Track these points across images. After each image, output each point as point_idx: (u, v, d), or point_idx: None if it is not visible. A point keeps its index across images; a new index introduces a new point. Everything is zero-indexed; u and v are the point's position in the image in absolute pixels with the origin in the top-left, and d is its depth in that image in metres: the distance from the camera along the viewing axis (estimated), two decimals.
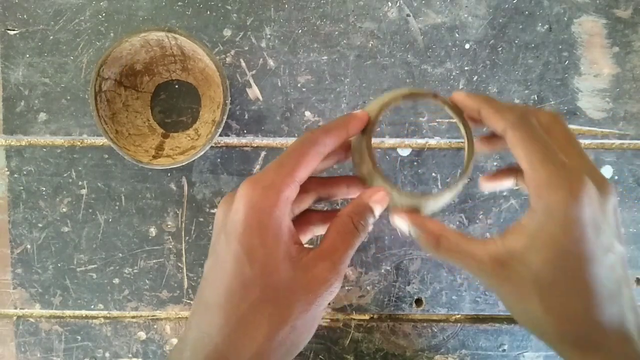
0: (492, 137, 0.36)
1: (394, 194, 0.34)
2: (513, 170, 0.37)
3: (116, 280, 0.48)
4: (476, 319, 0.49)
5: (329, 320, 0.48)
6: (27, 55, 0.46)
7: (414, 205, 0.34)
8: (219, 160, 0.47)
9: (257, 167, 0.47)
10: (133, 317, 0.48)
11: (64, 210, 0.47)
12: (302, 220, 0.35)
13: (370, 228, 0.32)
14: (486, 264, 0.31)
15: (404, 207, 0.33)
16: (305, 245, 0.31)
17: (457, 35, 0.46)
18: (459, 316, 0.49)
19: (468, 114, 0.34)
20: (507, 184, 0.37)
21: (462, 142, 0.47)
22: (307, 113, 0.47)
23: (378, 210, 0.32)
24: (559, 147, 0.32)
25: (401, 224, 0.34)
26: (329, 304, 0.48)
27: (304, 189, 0.33)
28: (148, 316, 0.48)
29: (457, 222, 0.48)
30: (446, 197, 0.36)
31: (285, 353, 0.29)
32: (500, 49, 0.47)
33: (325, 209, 0.47)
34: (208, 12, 0.46)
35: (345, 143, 0.35)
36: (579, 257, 0.30)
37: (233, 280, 0.28)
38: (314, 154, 0.31)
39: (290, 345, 0.29)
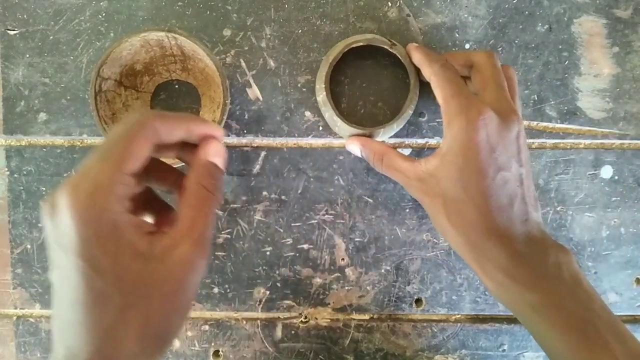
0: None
1: (345, 126, 0.43)
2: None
3: None
4: (476, 319, 0.49)
5: (329, 320, 0.48)
6: (27, 55, 0.46)
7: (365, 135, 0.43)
8: None
9: (257, 167, 0.47)
10: None
11: None
12: (146, 196, 0.34)
13: (222, 185, 0.31)
14: (412, 180, 0.39)
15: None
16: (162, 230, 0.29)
17: (457, 35, 0.46)
18: (459, 316, 0.49)
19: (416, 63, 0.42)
20: None
21: None
22: (307, 113, 0.47)
23: (221, 163, 0.32)
24: (480, 84, 0.38)
25: (354, 148, 0.43)
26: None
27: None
28: None
29: None
30: (394, 127, 0.44)
31: (163, 340, 0.28)
32: (500, 49, 0.47)
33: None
34: (208, 12, 0.46)
35: (186, 143, 0.32)
36: (473, 174, 0.35)
37: (86, 295, 0.27)
38: (143, 140, 0.28)
39: (167, 333, 0.28)
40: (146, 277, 0.27)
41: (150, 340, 0.27)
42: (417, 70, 0.43)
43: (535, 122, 0.47)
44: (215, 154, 0.31)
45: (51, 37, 0.46)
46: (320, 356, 0.49)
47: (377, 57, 0.47)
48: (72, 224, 0.26)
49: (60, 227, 0.27)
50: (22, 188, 0.47)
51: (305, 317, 0.48)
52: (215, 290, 0.48)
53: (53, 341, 0.29)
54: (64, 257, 0.27)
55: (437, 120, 0.47)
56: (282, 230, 0.47)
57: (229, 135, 0.47)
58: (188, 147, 0.33)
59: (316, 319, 0.48)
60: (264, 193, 0.47)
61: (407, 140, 0.47)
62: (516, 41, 0.47)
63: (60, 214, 0.26)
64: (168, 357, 0.48)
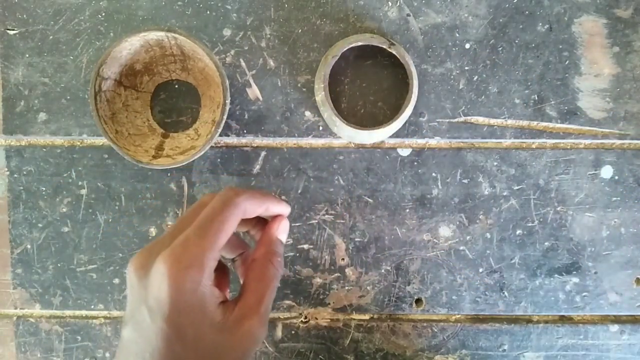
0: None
1: (344, 126, 0.40)
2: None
3: (116, 280, 0.48)
4: (476, 319, 0.49)
5: (329, 320, 0.48)
6: (27, 55, 0.46)
7: (360, 137, 0.40)
8: (219, 160, 0.47)
9: (257, 167, 0.47)
10: None
11: (64, 210, 0.47)
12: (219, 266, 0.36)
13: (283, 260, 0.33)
14: None
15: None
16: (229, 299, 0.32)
17: (457, 35, 0.46)
18: (459, 316, 0.49)
19: None
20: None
21: (462, 142, 0.47)
22: (307, 113, 0.47)
23: (285, 239, 0.34)
24: None
25: None
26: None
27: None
28: None
29: (458, 222, 0.48)
30: (394, 127, 0.42)
31: None
32: (500, 48, 0.47)
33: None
34: (208, 12, 0.46)
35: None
36: None
37: (164, 357, 0.28)
38: (234, 220, 0.31)
39: None
40: (218, 345, 0.29)
41: None
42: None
43: (535, 122, 0.47)
44: (283, 231, 0.34)
45: (51, 37, 0.46)
46: (320, 356, 0.49)
47: (376, 57, 0.47)
48: (167, 293, 0.28)
49: (152, 291, 0.28)
50: (22, 188, 0.47)
51: (306, 317, 0.48)
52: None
53: None
54: (148, 319, 0.28)
55: (437, 120, 0.47)
56: None
57: (228, 135, 0.47)
58: (256, 220, 0.36)
59: (316, 319, 0.48)
60: None
61: (407, 140, 0.47)
62: (516, 41, 0.47)
63: (155, 279, 0.28)
64: None
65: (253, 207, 0.32)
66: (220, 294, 0.30)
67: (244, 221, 0.35)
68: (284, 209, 0.35)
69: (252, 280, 0.32)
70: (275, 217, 0.34)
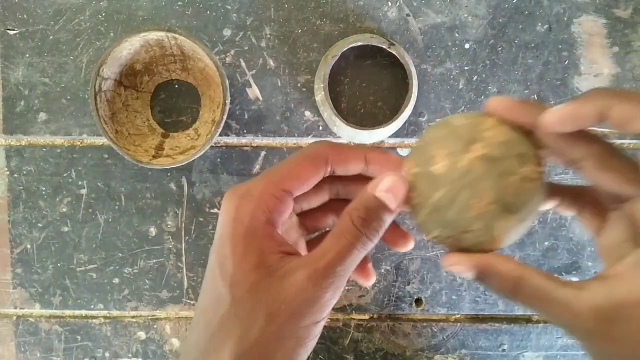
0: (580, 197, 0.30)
1: (344, 126, 0.38)
2: (555, 189, 0.30)
3: (116, 280, 0.48)
4: (476, 319, 0.49)
5: (329, 320, 0.48)
6: (27, 55, 0.46)
7: (360, 137, 0.37)
8: (219, 160, 0.47)
9: (257, 167, 0.47)
10: (133, 317, 0.48)
11: (64, 210, 0.47)
12: (310, 220, 0.32)
13: (383, 226, 0.27)
14: (584, 318, 0.24)
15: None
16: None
17: (457, 35, 0.46)
18: (459, 316, 0.49)
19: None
20: (546, 205, 0.31)
21: None
22: (307, 113, 0.47)
23: (392, 202, 0.26)
24: None
25: (460, 269, 0.26)
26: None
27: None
28: (148, 316, 0.48)
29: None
30: (394, 127, 0.40)
31: None
32: (500, 49, 0.47)
33: None
34: (208, 12, 0.46)
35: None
36: None
37: (208, 295, 0.27)
38: (308, 164, 0.28)
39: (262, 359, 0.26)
40: (260, 290, 0.26)
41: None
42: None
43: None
44: (386, 189, 0.26)
45: (51, 37, 0.46)
46: (320, 356, 0.49)
47: (376, 57, 0.47)
48: (221, 223, 0.27)
49: (218, 225, 0.27)
50: (22, 188, 0.47)
51: None
52: None
53: None
54: (211, 253, 0.28)
55: (437, 120, 0.47)
56: None
57: (229, 135, 0.47)
58: None
59: None
60: None
61: (407, 141, 0.47)
62: (516, 41, 0.47)
63: (220, 212, 0.28)
64: (169, 357, 0.48)
65: (340, 156, 0.28)
66: (285, 243, 0.27)
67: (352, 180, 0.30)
68: (392, 160, 0.29)
69: (328, 236, 0.27)
70: (384, 174, 0.28)
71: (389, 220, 0.27)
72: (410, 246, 0.31)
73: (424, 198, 0.26)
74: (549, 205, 0.30)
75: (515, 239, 0.26)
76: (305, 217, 0.33)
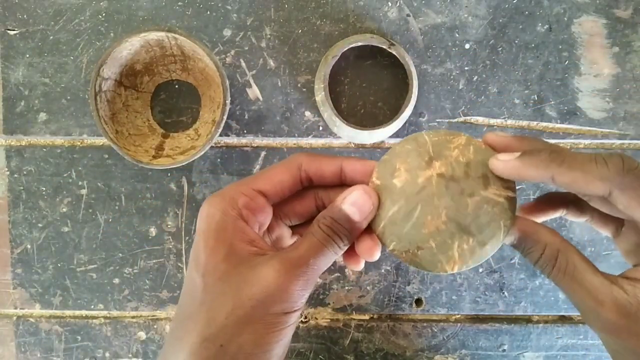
0: (543, 204, 0.31)
1: (344, 126, 0.38)
2: (559, 199, 0.31)
3: (116, 280, 0.48)
4: (476, 319, 0.49)
5: (329, 320, 0.48)
6: (27, 55, 0.46)
7: (360, 137, 0.37)
8: (219, 160, 0.47)
9: (257, 167, 0.47)
10: (133, 317, 0.48)
11: (64, 210, 0.47)
12: (303, 230, 0.34)
13: (349, 235, 0.28)
14: (607, 308, 0.25)
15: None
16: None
17: (457, 35, 0.46)
18: (459, 316, 0.49)
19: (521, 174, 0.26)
20: (552, 215, 0.32)
21: None
22: (307, 113, 0.47)
23: (356, 215, 0.28)
24: None
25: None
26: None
27: (300, 193, 0.32)
28: (148, 316, 0.48)
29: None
30: (394, 127, 0.40)
31: (220, 356, 0.26)
32: (500, 49, 0.47)
33: None
34: (208, 12, 0.46)
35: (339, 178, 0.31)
36: None
37: (185, 287, 0.29)
38: (282, 169, 0.30)
39: (229, 344, 0.26)
40: (229, 278, 0.27)
41: (210, 343, 0.26)
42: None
43: (535, 122, 0.47)
44: (352, 202, 0.28)
45: (51, 37, 0.46)
46: (320, 356, 0.49)
47: (376, 57, 0.47)
48: (198, 223, 0.29)
49: None
50: (22, 188, 0.47)
51: (305, 317, 0.48)
52: None
53: None
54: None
55: (437, 120, 0.47)
56: None
57: (228, 135, 0.47)
58: None
59: (316, 319, 0.48)
60: None
61: None
62: (516, 41, 0.47)
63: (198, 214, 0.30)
64: None
65: (314, 162, 0.30)
66: (258, 239, 0.28)
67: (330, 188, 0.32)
68: (366, 166, 0.30)
69: (302, 235, 0.28)
70: (353, 186, 0.29)
71: (356, 230, 0.28)
72: (376, 255, 0.31)
73: (383, 210, 0.27)
74: (553, 216, 0.31)
75: (477, 263, 0.26)
76: (298, 228, 0.34)
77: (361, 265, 0.32)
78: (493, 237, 0.25)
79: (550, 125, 0.47)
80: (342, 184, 0.31)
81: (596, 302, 0.25)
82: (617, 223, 0.30)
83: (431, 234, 0.25)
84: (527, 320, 0.49)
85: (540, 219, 0.31)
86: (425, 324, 0.49)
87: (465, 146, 0.26)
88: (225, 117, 0.41)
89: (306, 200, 0.32)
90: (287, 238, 0.34)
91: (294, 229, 0.34)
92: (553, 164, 0.25)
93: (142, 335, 0.48)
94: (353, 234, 0.28)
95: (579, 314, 0.48)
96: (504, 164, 0.26)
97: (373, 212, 0.28)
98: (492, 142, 0.28)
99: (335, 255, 0.28)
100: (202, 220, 0.29)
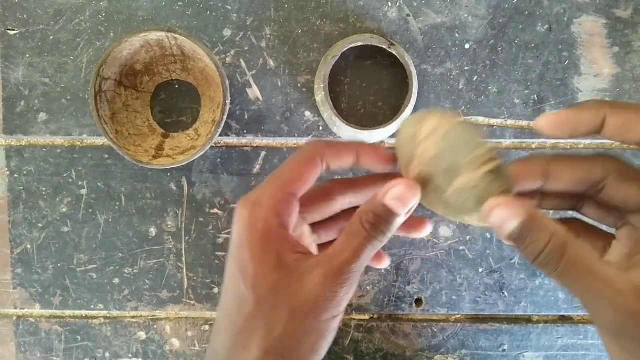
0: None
1: (344, 126, 0.38)
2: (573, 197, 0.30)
3: (116, 280, 0.48)
4: (476, 319, 0.49)
5: None
6: (27, 55, 0.46)
7: (360, 137, 0.37)
8: (219, 160, 0.47)
9: (257, 167, 0.47)
10: (133, 317, 0.48)
11: (64, 210, 0.47)
12: (322, 228, 0.34)
13: (391, 230, 0.28)
14: (627, 295, 0.23)
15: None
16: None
17: (457, 35, 0.46)
18: (459, 316, 0.49)
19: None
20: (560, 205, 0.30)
21: None
22: (307, 113, 0.47)
23: (400, 209, 0.27)
24: None
25: (504, 211, 0.24)
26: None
27: (327, 193, 0.32)
28: (148, 316, 0.48)
29: (457, 222, 0.48)
30: (394, 127, 0.41)
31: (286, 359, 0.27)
32: (500, 49, 0.47)
33: None
34: (208, 12, 0.46)
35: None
36: None
37: (230, 298, 0.28)
38: (307, 165, 0.30)
39: (289, 353, 0.27)
40: (280, 288, 0.27)
41: (272, 355, 0.27)
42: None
43: (535, 122, 0.47)
44: (395, 197, 0.27)
45: (51, 37, 0.46)
46: None
47: (376, 57, 0.47)
48: (236, 231, 0.28)
49: (232, 233, 0.29)
50: (22, 188, 0.47)
51: None
52: (216, 290, 0.48)
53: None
54: (227, 264, 0.29)
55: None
56: None
57: (228, 135, 0.47)
58: None
59: None
60: None
61: None
62: (516, 41, 0.47)
63: (233, 223, 0.29)
64: (169, 357, 0.48)
65: (334, 153, 0.30)
66: (298, 244, 0.29)
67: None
68: (379, 153, 0.30)
69: (342, 235, 0.28)
70: (392, 182, 0.28)
71: (397, 223, 0.28)
72: (427, 231, 0.33)
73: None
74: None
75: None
76: (316, 226, 0.34)
77: (386, 263, 0.33)
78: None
79: None
80: (372, 184, 0.32)
81: (615, 291, 0.23)
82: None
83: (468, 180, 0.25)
84: (527, 320, 0.49)
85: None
86: (425, 324, 0.49)
87: (432, 134, 0.26)
88: (225, 117, 0.41)
89: (332, 202, 0.33)
90: (308, 235, 0.34)
91: (313, 224, 0.34)
92: (605, 105, 0.25)
93: (142, 335, 0.48)
94: (395, 228, 0.28)
95: (579, 314, 0.48)
96: (555, 116, 0.26)
97: (415, 205, 0.28)
98: (543, 128, 0.27)
99: (376, 250, 0.28)
100: (244, 231, 0.28)
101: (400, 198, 0.27)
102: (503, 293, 0.48)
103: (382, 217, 0.27)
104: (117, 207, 0.47)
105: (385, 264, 0.34)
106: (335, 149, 0.30)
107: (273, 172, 0.30)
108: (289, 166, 0.30)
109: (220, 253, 0.48)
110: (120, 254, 0.48)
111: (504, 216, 0.24)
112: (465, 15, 0.46)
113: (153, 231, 0.48)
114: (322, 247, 0.34)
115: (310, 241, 0.34)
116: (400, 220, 0.28)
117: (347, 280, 0.27)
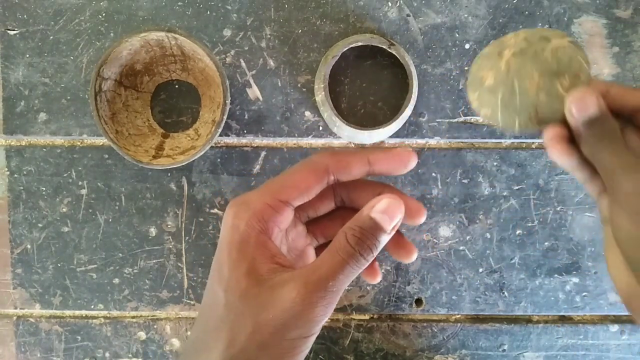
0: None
1: (344, 126, 0.39)
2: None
3: (116, 280, 0.48)
4: (476, 319, 0.49)
5: (329, 320, 0.48)
6: (27, 55, 0.46)
7: (360, 137, 0.39)
8: (219, 160, 0.47)
9: (257, 167, 0.47)
10: (133, 317, 0.48)
11: (64, 210, 0.47)
12: (319, 228, 0.33)
13: (377, 246, 0.27)
14: None
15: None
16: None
17: (457, 35, 0.46)
18: (459, 316, 0.49)
19: None
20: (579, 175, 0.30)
21: (462, 142, 0.47)
22: (307, 113, 0.47)
23: (387, 223, 0.27)
24: None
25: (586, 99, 0.27)
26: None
27: (321, 194, 0.30)
28: (148, 316, 0.48)
29: (457, 222, 0.48)
30: (394, 127, 0.42)
31: None
32: None
33: None
34: (208, 12, 0.46)
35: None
36: None
37: (207, 296, 0.28)
38: (307, 173, 0.29)
39: None
40: (250, 298, 0.26)
41: None
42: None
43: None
44: (382, 210, 0.27)
45: (51, 37, 0.46)
46: (320, 356, 0.49)
47: (376, 57, 0.47)
48: (221, 229, 0.28)
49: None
50: (22, 188, 0.47)
51: None
52: None
53: None
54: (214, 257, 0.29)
55: (437, 120, 0.47)
56: None
57: (228, 135, 0.47)
58: None
59: None
60: None
61: (407, 140, 0.47)
62: None
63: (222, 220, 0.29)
64: (169, 357, 0.48)
65: (341, 163, 0.29)
66: (279, 254, 0.28)
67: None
68: (396, 156, 0.29)
69: (325, 251, 0.27)
70: (383, 194, 0.28)
71: (384, 240, 0.27)
72: (413, 257, 0.32)
73: (493, 105, 0.30)
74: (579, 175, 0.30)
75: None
76: (313, 225, 0.33)
77: (378, 279, 0.33)
78: (580, 68, 0.29)
79: None
80: (364, 184, 0.31)
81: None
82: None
83: (538, 91, 0.29)
84: (527, 320, 0.49)
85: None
86: (425, 324, 0.49)
87: (516, 36, 0.30)
88: (225, 117, 0.41)
89: (326, 199, 0.32)
90: (303, 236, 0.33)
91: (309, 224, 0.33)
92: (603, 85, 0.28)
93: (142, 335, 0.48)
94: (382, 245, 0.27)
95: (579, 314, 0.48)
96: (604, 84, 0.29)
97: (400, 220, 0.28)
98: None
99: (359, 270, 0.27)
100: (226, 231, 0.28)
101: (387, 211, 0.27)
102: (503, 293, 0.48)
103: (368, 231, 0.27)
104: (117, 207, 0.47)
105: (378, 279, 0.33)
106: (343, 159, 0.29)
107: (273, 178, 0.30)
108: (287, 173, 0.29)
109: None
110: (120, 254, 0.48)
111: (587, 103, 0.27)
112: (465, 15, 0.46)
113: (153, 231, 0.48)
114: (319, 251, 0.33)
115: (304, 244, 0.33)
116: (386, 237, 0.27)
117: (322, 299, 0.25)
